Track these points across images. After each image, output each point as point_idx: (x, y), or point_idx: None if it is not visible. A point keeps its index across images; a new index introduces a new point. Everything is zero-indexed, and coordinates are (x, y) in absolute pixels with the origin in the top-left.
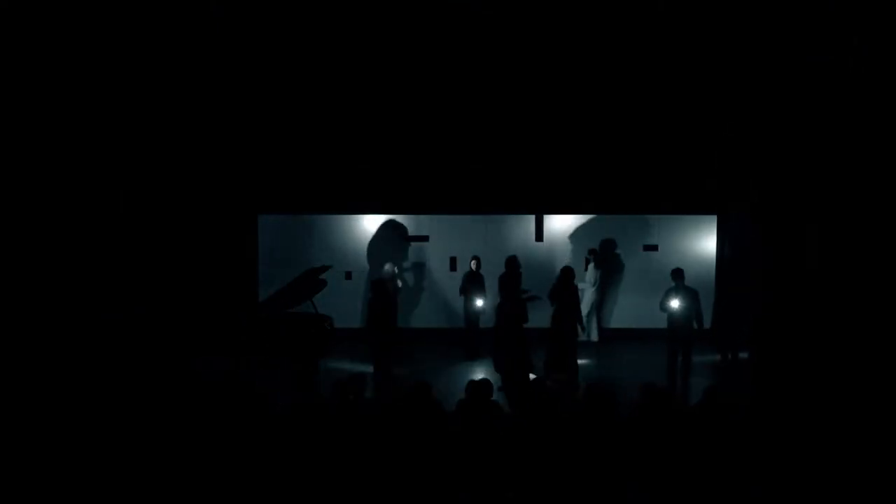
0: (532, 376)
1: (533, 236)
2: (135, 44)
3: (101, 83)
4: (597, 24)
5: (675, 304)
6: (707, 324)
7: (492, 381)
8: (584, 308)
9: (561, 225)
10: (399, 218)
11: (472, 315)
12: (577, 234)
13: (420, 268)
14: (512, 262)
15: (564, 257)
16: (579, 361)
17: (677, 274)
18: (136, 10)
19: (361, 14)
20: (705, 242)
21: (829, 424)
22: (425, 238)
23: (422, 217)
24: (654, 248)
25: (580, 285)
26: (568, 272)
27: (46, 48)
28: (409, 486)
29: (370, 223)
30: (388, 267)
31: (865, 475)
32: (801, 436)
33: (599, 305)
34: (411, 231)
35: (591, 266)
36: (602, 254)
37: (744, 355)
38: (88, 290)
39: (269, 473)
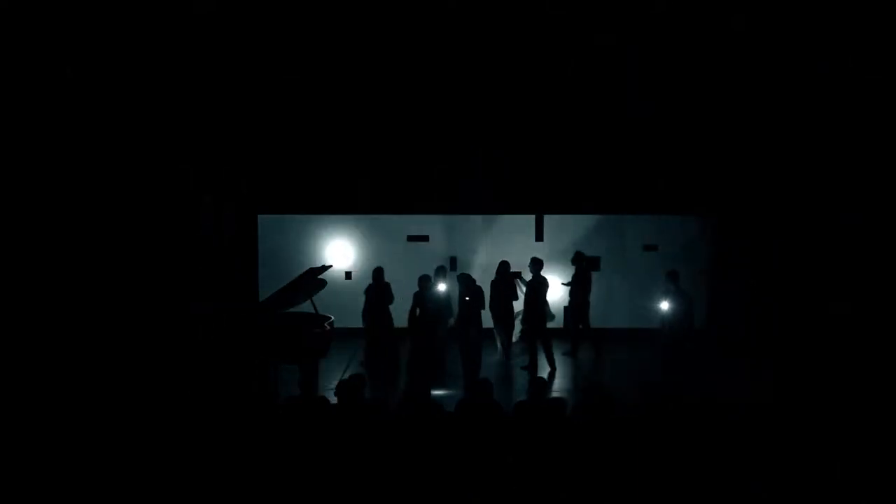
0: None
1: (533, 236)
2: (134, 42)
3: (101, 81)
4: (595, 23)
5: (664, 306)
6: (700, 323)
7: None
8: None
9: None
10: (399, 218)
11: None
12: (577, 234)
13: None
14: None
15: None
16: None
17: (671, 276)
18: (134, 8)
19: (362, 12)
20: (705, 243)
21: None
22: (425, 238)
23: (422, 217)
24: (654, 248)
25: None
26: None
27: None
28: (413, 486)
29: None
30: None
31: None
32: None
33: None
34: (411, 231)
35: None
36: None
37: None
38: (86, 289)
39: (271, 472)
